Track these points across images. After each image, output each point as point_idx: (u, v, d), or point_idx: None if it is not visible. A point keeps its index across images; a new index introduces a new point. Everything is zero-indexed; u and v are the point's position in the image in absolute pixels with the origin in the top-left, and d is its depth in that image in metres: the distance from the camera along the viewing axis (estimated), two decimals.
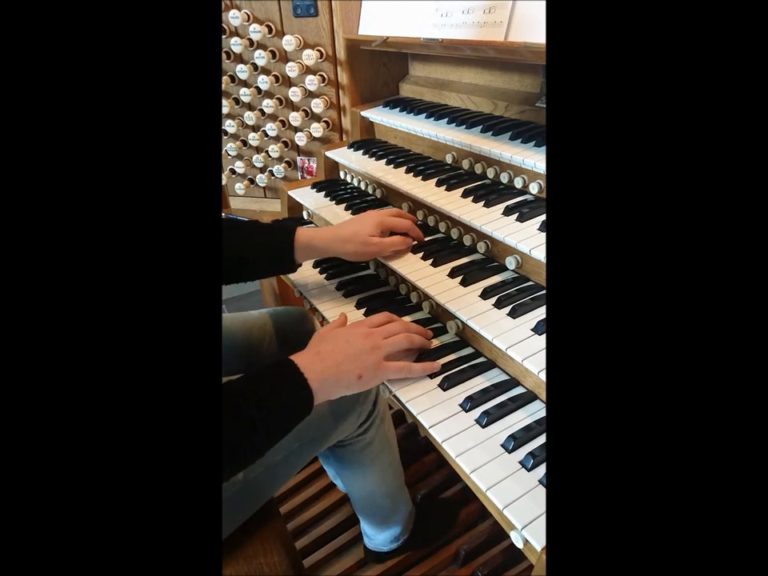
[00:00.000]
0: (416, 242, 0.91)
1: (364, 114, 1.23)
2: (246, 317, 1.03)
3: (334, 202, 1.12)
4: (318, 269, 1.02)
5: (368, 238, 0.86)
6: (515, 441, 0.62)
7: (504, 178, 0.89)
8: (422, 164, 1.03)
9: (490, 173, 0.92)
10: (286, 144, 1.37)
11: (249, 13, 1.24)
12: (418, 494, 1.23)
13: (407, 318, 0.85)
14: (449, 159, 1.02)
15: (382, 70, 1.28)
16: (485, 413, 0.66)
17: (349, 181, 1.21)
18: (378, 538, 1.11)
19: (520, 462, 0.60)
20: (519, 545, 0.55)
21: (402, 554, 1.13)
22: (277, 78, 1.28)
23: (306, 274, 1.02)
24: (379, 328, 0.72)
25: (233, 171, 1.46)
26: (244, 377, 0.61)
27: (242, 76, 1.29)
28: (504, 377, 0.73)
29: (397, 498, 1.06)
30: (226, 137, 1.42)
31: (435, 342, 0.80)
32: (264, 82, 1.27)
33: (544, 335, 0.66)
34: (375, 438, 0.93)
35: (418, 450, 1.35)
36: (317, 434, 0.82)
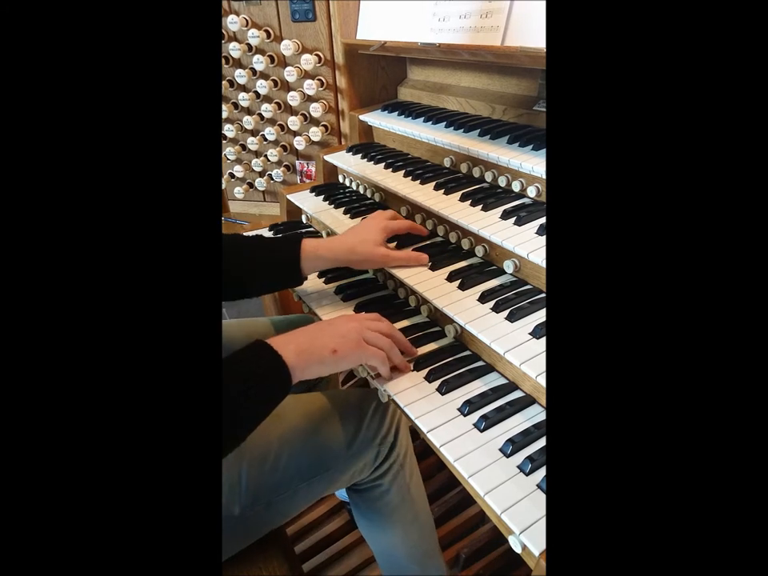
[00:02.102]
0: (422, 255, 0.87)
1: (362, 117, 1.23)
2: (249, 324, 1.02)
3: (332, 205, 1.12)
4: (317, 273, 1.02)
5: (374, 246, 0.84)
6: (513, 445, 0.62)
7: (502, 181, 0.89)
8: (420, 168, 1.03)
9: (488, 176, 0.92)
10: (284, 148, 1.38)
11: (247, 18, 1.25)
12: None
13: (406, 323, 0.86)
14: (447, 163, 1.02)
15: (380, 73, 1.28)
16: (483, 417, 0.66)
17: (347, 184, 1.21)
18: None
19: (518, 467, 0.60)
20: (518, 549, 0.54)
21: None
22: (275, 83, 1.29)
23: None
24: (366, 315, 0.73)
25: (232, 175, 1.46)
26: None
27: (241, 81, 1.29)
28: (502, 380, 0.73)
29: (426, 565, 0.95)
30: (225, 141, 1.42)
31: (433, 346, 0.80)
32: (263, 86, 1.27)
33: (542, 339, 0.66)
34: (393, 487, 0.88)
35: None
36: (325, 474, 0.79)
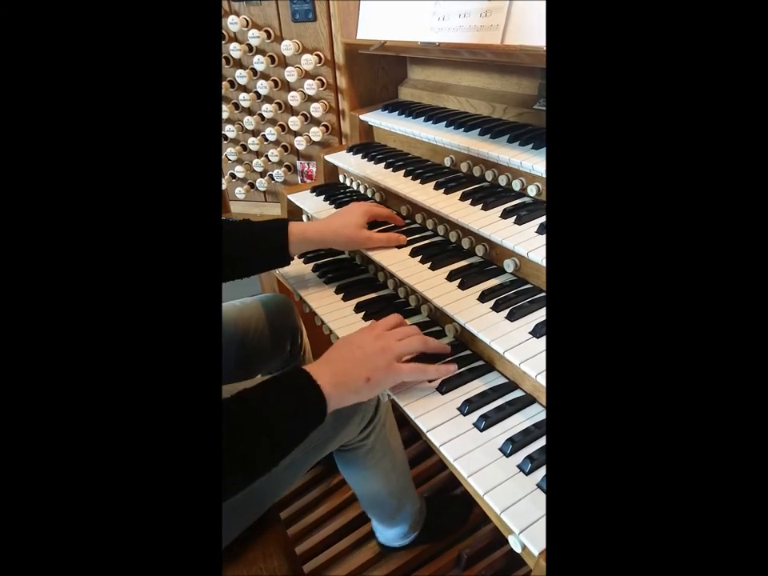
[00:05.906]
0: (401, 236, 0.93)
1: (363, 117, 1.23)
2: (233, 304, 1.06)
3: (333, 205, 1.12)
4: (318, 272, 1.02)
5: (357, 228, 0.91)
6: (513, 444, 0.61)
7: (502, 180, 0.89)
8: (420, 167, 1.03)
9: (488, 176, 0.92)
10: (285, 148, 1.38)
11: (247, 18, 1.25)
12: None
13: (406, 322, 0.85)
14: (447, 162, 1.02)
15: (380, 73, 1.28)
16: (483, 416, 0.66)
17: (348, 184, 1.21)
18: (387, 533, 1.13)
19: (518, 466, 0.60)
20: (517, 549, 0.54)
21: (413, 548, 1.15)
22: (276, 83, 1.29)
23: (306, 277, 1.03)
24: (392, 330, 0.71)
25: (233, 176, 1.46)
26: (257, 386, 0.61)
27: (242, 81, 1.29)
28: (502, 380, 0.73)
29: (402, 497, 1.06)
30: (225, 141, 1.42)
31: None
32: (263, 86, 1.27)
33: (542, 338, 0.66)
34: (377, 444, 0.93)
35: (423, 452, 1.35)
36: (319, 442, 0.82)
